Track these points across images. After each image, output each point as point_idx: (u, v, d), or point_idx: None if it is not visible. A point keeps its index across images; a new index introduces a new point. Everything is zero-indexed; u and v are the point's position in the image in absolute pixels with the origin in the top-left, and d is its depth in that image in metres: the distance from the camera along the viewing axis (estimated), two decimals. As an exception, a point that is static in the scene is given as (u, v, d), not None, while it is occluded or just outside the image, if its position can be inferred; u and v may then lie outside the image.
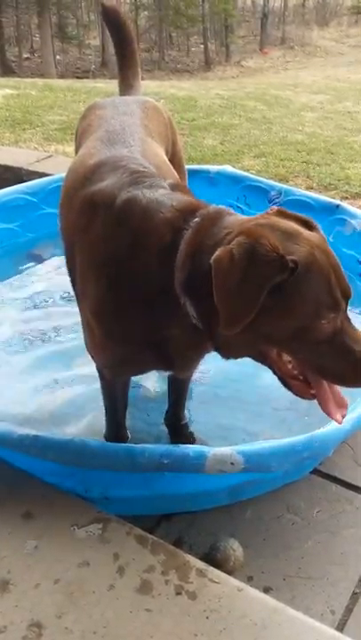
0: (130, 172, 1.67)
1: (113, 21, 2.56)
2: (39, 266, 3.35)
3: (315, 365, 1.45)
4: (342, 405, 1.53)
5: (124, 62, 2.60)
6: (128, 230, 1.55)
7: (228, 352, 1.50)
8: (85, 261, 1.69)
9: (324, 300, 1.35)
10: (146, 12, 33.18)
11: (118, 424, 2.06)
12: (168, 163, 2.04)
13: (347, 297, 1.41)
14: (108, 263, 1.59)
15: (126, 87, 2.58)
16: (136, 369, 1.86)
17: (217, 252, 1.33)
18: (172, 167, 2.04)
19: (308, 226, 1.47)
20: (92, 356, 1.83)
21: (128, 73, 2.59)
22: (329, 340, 1.38)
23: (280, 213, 1.48)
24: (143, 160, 1.79)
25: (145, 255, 1.51)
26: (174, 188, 1.63)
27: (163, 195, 1.57)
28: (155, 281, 1.51)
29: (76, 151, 2.32)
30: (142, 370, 1.86)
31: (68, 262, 1.87)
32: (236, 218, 1.49)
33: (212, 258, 1.33)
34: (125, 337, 1.64)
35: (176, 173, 2.04)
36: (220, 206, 1.55)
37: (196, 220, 1.48)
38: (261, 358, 1.49)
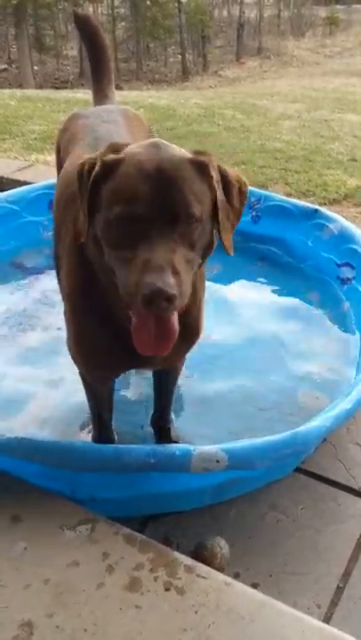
0: None
1: (85, 29, 2.59)
2: (21, 274, 3.36)
3: (111, 268, 1.40)
4: (163, 337, 1.38)
5: (98, 70, 2.62)
6: None
7: (101, 275, 1.53)
8: (63, 250, 1.76)
9: (117, 198, 1.34)
10: (123, 23, 33.42)
11: (105, 426, 2.08)
12: None
13: (169, 204, 1.32)
14: (76, 246, 1.63)
15: (101, 96, 2.59)
16: (112, 366, 1.84)
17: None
18: None
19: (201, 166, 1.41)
20: (73, 357, 1.85)
21: (103, 82, 2.61)
22: (125, 246, 1.32)
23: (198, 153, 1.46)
24: None
25: None
26: None
27: None
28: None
29: (58, 162, 2.35)
30: (118, 367, 1.86)
31: (55, 262, 1.91)
32: None
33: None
34: (94, 322, 1.68)
35: None
36: None
37: None
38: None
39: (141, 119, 2.41)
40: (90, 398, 2.03)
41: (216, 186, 1.42)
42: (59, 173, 2.23)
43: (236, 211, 1.51)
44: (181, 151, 1.43)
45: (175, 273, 1.28)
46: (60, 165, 2.28)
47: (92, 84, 2.65)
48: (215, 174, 1.43)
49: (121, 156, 1.41)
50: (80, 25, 2.61)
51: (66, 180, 1.89)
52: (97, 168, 1.41)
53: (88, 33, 2.59)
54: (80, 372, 1.94)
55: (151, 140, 1.47)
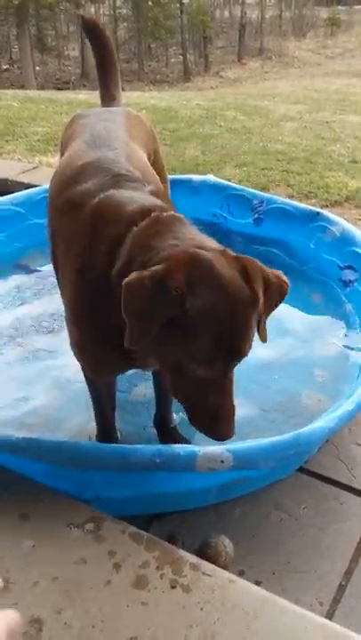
0: (112, 174, 1.75)
1: (92, 32, 2.64)
2: (27, 276, 3.39)
3: (176, 392, 1.55)
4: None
5: (105, 73, 2.66)
6: (94, 223, 1.63)
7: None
8: (63, 258, 1.78)
9: (202, 350, 1.40)
10: (125, 24, 33.44)
11: (108, 425, 2.11)
12: (150, 166, 2.11)
13: (236, 355, 1.45)
14: (77, 257, 1.66)
15: (108, 98, 2.63)
16: (112, 365, 1.87)
17: (131, 276, 1.39)
18: (154, 171, 2.11)
19: (248, 277, 1.46)
20: (75, 355, 1.88)
21: (110, 84, 2.65)
22: (198, 381, 1.45)
23: (234, 258, 1.48)
24: (127, 163, 1.86)
25: (100, 245, 1.58)
26: (153, 194, 1.71)
27: (136, 195, 1.66)
28: (105, 270, 1.56)
29: None
30: (119, 366, 1.89)
31: (53, 262, 1.94)
32: (179, 235, 1.50)
33: (125, 280, 1.39)
34: (92, 327, 1.71)
35: (158, 177, 2.11)
36: (178, 215, 1.59)
37: (146, 221, 1.54)
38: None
39: (143, 120, 2.45)
40: (93, 395, 2.06)
41: (261, 310, 1.48)
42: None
43: (273, 308, 1.56)
44: (242, 284, 1.44)
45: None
46: None
47: (100, 88, 2.69)
48: (261, 301, 1.47)
49: (211, 307, 1.39)
50: (87, 29, 2.65)
51: (63, 180, 1.88)
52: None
53: (95, 36, 2.63)
54: (82, 369, 1.97)
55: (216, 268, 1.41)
